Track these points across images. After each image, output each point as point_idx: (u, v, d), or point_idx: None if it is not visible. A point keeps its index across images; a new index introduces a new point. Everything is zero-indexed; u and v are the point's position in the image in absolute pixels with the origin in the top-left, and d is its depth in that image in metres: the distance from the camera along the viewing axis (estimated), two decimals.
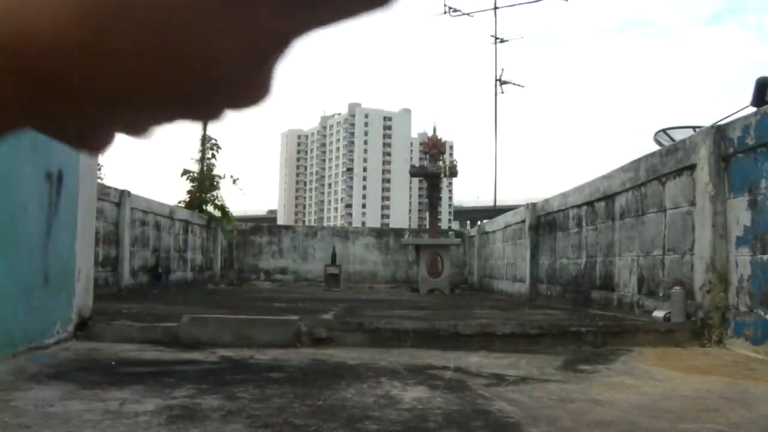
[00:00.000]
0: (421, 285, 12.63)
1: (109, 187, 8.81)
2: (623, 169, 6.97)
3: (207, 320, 4.58)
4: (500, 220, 13.06)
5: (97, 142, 0.33)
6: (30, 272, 3.85)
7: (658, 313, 5.58)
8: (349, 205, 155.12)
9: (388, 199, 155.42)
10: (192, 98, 0.29)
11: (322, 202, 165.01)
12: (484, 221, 17.04)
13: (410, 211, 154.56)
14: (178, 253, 11.94)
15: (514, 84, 22.93)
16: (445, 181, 16.48)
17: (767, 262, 4.34)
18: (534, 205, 10.41)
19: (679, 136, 7.08)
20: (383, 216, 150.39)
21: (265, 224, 18.08)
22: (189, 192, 13.73)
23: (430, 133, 17.10)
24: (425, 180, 16.32)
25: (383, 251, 16.56)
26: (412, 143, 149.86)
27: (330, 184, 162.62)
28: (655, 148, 6.81)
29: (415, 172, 17.03)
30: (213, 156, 14.49)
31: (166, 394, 2.77)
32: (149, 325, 4.54)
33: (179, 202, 13.26)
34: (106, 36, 0.26)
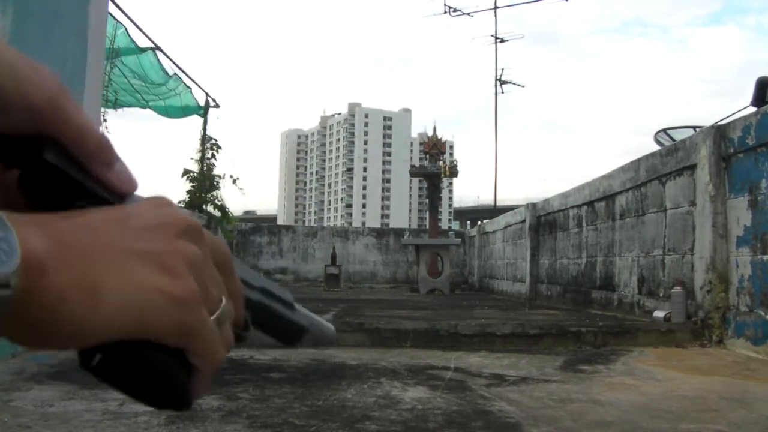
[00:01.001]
0: (421, 285, 12.62)
1: None
2: (623, 169, 6.97)
3: None
4: (500, 220, 13.05)
5: None
6: None
7: (659, 313, 5.58)
8: (349, 205, 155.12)
9: (388, 199, 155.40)
10: None
11: (322, 202, 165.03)
12: (484, 221, 17.04)
13: (410, 211, 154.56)
14: None
15: (514, 84, 22.97)
16: (445, 181, 16.48)
17: (767, 262, 4.34)
18: (534, 205, 10.40)
19: (679, 136, 7.08)
20: (383, 216, 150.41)
21: (265, 224, 18.07)
22: (189, 192, 13.73)
23: (430, 133, 17.11)
24: (425, 180, 16.33)
25: (383, 251, 16.56)
26: (412, 143, 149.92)
27: (330, 184, 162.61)
28: (655, 148, 6.81)
29: (415, 172, 17.04)
30: (213, 156, 14.48)
31: None
32: None
33: (179, 202, 13.26)
34: None
